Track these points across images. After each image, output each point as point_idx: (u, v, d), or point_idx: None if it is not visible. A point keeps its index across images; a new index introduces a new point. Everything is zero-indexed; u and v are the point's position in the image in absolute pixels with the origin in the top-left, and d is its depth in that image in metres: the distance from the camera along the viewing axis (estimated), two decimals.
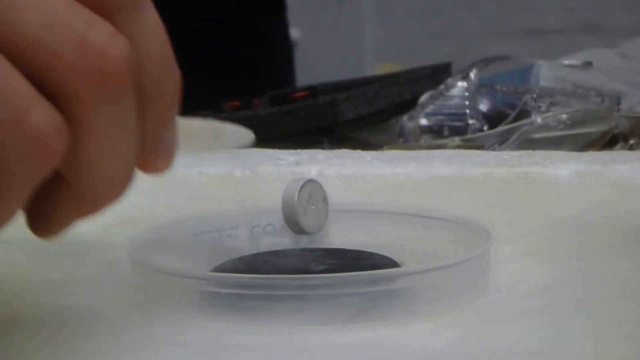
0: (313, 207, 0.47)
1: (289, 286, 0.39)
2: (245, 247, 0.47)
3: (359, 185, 0.56)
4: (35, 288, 0.45)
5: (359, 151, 0.61)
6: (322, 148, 0.65)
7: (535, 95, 0.69)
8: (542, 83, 0.77)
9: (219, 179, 0.58)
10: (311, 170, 0.57)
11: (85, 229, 0.53)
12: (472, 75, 0.74)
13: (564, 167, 0.54)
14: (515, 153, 0.57)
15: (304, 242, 0.47)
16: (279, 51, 1.17)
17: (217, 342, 0.38)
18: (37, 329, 0.41)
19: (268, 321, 0.39)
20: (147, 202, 0.57)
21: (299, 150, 0.61)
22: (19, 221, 0.51)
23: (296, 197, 0.46)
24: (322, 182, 0.54)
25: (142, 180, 0.58)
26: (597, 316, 0.38)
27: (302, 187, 0.47)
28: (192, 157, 0.61)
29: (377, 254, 0.45)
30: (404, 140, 0.73)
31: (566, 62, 0.77)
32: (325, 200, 0.48)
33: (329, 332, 0.38)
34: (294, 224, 0.47)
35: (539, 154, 0.56)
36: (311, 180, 0.47)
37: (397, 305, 0.40)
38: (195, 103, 0.88)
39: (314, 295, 0.39)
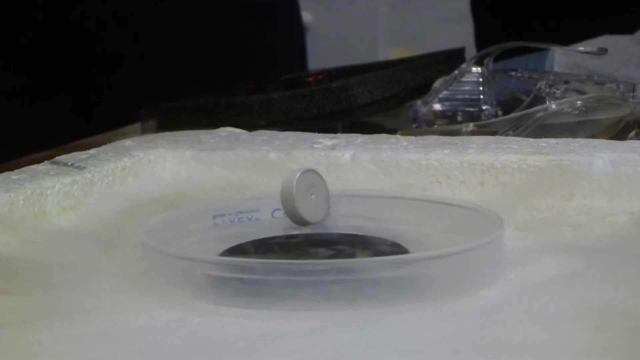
0: (313, 196, 0.47)
1: (289, 271, 0.39)
2: (263, 230, 0.47)
3: (392, 170, 0.56)
4: (48, 267, 0.45)
5: (397, 136, 0.61)
6: (336, 132, 0.64)
7: (549, 82, 0.68)
8: (557, 69, 0.76)
9: (254, 161, 0.58)
10: (345, 155, 0.57)
11: (111, 208, 0.53)
12: (486, 61, 0.74)
13: (600, 156, 0.53)
14: (552, 140, 0.56)
15: (319, 228, 0.47)
16: (291, 35, 1.16)
17: (215, 326, 0.38)
18: (46, 308, 0.41)
19: (267, 305, 0.39)
20: (181, 183, 0.57)
21: (337, 135, 0.61)
22: (35, 205, 0.51)
23: (294, 188, 0.46)
24: (356, 166, 0.55)
25: (177, 161, 0.59)
26: (608, 316, 0.38)
27: (299, 177, 0.46)
28: (229, 138, 0.61)
29: (387, 240, 0.45)
30: (417, 125, 0.73)
31: (581, 48, 0.76)
32: (325, 189, 0.48)
33: (329, 317, 0.38)
34: (293, 214, 0.46)
35: (577, 142, 0.56)
36: (310, 170, 0.47)
37: (402, 291, 0.39)
38: (208, 87, 0.88)
39: (315, 280, 0.39)
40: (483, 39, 0.95)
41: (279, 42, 1.12)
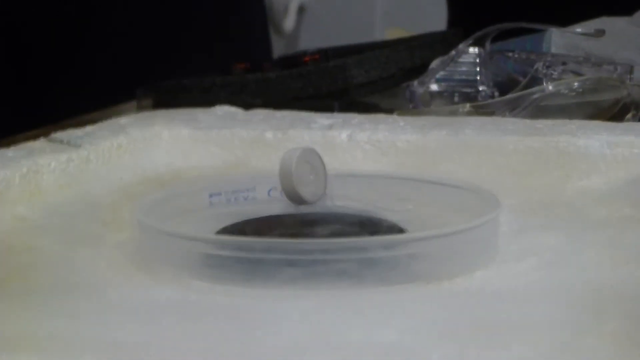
0: (311, 176, 0.47)
1: (286, 250, 0.39)
2: (259, 209, 0.47)
3: (389, 150, 0.56)
4: (44, 244, 0.45)
5: (393, 116, 0.61)
6: (332, 112, 0.64)
7: (547, 63, 0.68)
8: (554, 50, 0.76)
9: (252, 140, 0.58)
10: (342, 135, 0.57)
11: (107, 186, 0.53)
12: (485, 41, 0.74)
13: (596, 137, 0.53)
14: (549, 122, 0.56)
15: (317, 207, 0.47)
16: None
17: (211, 304, 0.38)
18: (41, 285, 0.41)
19: (264, 284, 0.39)
20: (177, 162, 0.57)
21: (334, 114, 0.61)
22: (31, 182, 0.51)
23: (293, 166, 0.46)
24: (353, 146, 0.55)
25: (173, 140, 0.59)
26: (604, 297, 0.38)
27: (299, 155, 0.46)
28: (225, 117, 0.61)
29: (384, 220, 0.45)
30: (414, 106, 0.73)
31: (578, 29, 0.76)
32: (323, 168, 0.47)
33: (324, 297, 0.38)
34: (292, 195, 0.46)
35: (573, 123, 0.56)
36: (308, 149, 0.47)
37: (399, 271, 0.39)
38: (204, 66, 0.87)
39: (311, 260, 0.39)
40: (480, 20, 0.95)
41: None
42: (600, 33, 0.74)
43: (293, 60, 0.81)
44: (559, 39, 0.77)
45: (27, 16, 1.01)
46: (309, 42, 1.25)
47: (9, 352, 0.34)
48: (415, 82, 0.74)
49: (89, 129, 0.58)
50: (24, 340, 0.35)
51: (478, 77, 0.74)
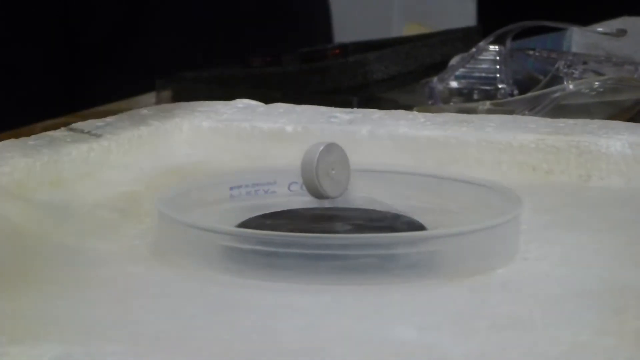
0: (334, 171, 0.47)
1: (307, 245, 0.39)
2: (279, 203, 0.47)
3: (409, 146, 0.56)
4: (64, 234, 0.45)
5: (414, 112, 0.61)
6: (351, 107, 0.64)
7: (568, 62, 0.68)
8: (575, 49, 0.76)
9: (272, 134, 0.58)
10: (362, 130, 0.57)
11: (127, 176, 0.53)
12: (504, 39, 0.73)
13: (618, 137, 0.53)
14: (571, 121, 0.56)
15: (338, 202, 0.47)
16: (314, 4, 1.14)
17: (231, 297, 0.38)
18: (61, 275, 0.41)
19: (284, 278, 0.39)
20: (198, 155, 0.57)
21: (354, 109, 0.61)
22: (51, 171, 0.51)
23: (316, 161, 0.46)
24: (373, 141, 0.54)
25: (193, 132, 0.59)
26: (626, 297, 0.38)
27: (322, 150, 0.46)
28: (246, 110, 0.61)
29: (404, 216, 0.45)
30: (433, 102, 0.72)
31: (600, 29, 0.76)
32: (346, 163, 0.47)
33: (344, 292, 0.38)
34: (314, 189, 0.46)
35: (595, 123, 0.56)
36: (332, 144, 0.47)
37: (419, 268, 0.39)
38: (222, 58, 0.87)
39: (332, 254, 0.39)
40: (500, 17, 0.94)
41: (301, 11, 1.10)
42: (621, 33, 0.74)
43: (313, 55, 0.81)
44: (580, 38, 0.76)
45: (46, 6, 1.01)
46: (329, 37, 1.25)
47: (31, 341, 0.34)
48: (435, 79, 0.74)
49: (109, 119, 0.58)
50: (45, 329, 0.35)
51: (498, 75, 0.74)
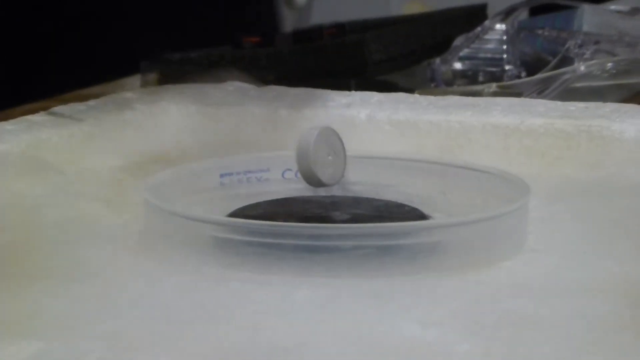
0: (330, 157, 0.46)
1: (301, 235, 0.39)
2: (272, 191, 0.47)
3: (410, 132, 0.56)
4: (44, 224, 0.45)
5: (415, 95, 0.61)
6: (348, 90, 0.64)
7: (578, 42, 0.68)
8: (586, 28, 0.76)
9: (264, 118, 0.58)
10: (361, 114, 0.57)
11: (111, 163, 0.53)
12: (511, 18, 0.73)
13: (631, 122, 0.53)
14: (582, 104, 0.56)
15: (335, 190, 0.47)
16: None
17: (222, 291, 0.38)
18: (44, 268, 0.41)
19: (277, 271, 0.39)
20: (186, 139, 0.57)
21: (352, 92, 0.61)
22: (31, 158, 0.51)
23: (312, 147, 0.46)
24: (373, 126, 0.54)
25: (181, 116, 0.59)
26: (639, 293, 0.38)
27: (318, 135, 0.46)
28: (237, 93, 0.61)
29: (406, 205, 0.45)
30: (435, 85, 0.72)
31: (613, 7, 0.76)
32: (343, 149, 0.47)
33: (342, 286, 0.38)
34: (309, 176, 0.46)
35: (608, 107, 0.56)
36: (328, 129, 0.47)
37: (421, 260, 0.39)
38: (213, 38, 0.87)
39: (329, 245, 0.38)
40: None
41: None
42: (636, 11, 0.74)
43: (308, 35, 0.81)
44: (591, 17, 0.76)
45: None
46: (322, 15, 1.25)
47: (9, 337, 0.34)
48: (438, 60, 0.74)
49: (92, 102, 0.58)
50: (24, 324, 0.35)
51: (504, 56, 0.74)
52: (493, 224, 0.41)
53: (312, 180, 0.46)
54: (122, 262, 0.42)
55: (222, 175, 0.48)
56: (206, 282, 0.39)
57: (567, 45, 0.68)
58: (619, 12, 0.75)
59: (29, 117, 0.55)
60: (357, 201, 0.46)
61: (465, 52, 0.74)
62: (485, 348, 0.33)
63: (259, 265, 0.39)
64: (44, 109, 0.57)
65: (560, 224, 0.45)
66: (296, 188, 0.47)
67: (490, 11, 0.83)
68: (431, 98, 0.59)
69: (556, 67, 0.67)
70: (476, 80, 0.73)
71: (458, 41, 0.75)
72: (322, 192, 0.47)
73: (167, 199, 0.44)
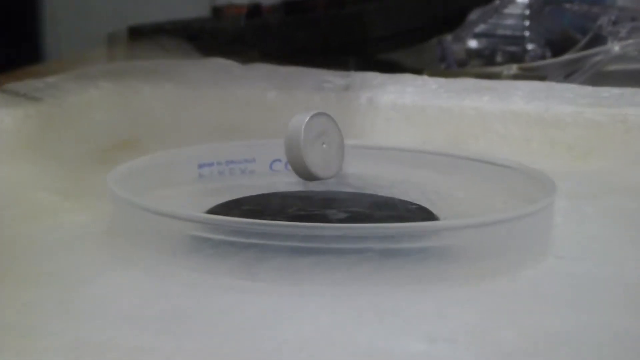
0: (324, 146, 0.47)
1: (291, 236, 0.39)
2: (258, 184, 0.47)
3: (417, 119, 0.56)
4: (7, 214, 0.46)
5: (423, 77, 0.61)
6: (346, 69, 0.64)
7: (613, 18, 0.68)
8: (621, 3, 0.76)
9: (249, 100, 0.58)
10: (361, 98, 0.57)
11: (73, 150, 0.53)
12: None
13: None
14: (616, 90, 0.56)
15: (330, 184, 0.47)
16: None
17: (199, 299, 0.38)
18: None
19: (264, 276, 0.39)
20: (159, 124, 0.57)
21: (350, 72, 0.61)
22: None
23: (303, 135, 0.46)
24: (374, 111, 0.54)
25: (154, 97, 0.59)
26: None
27: (309, 121, 0.46)
28: (218, 71, 0.61)
29: (412, 203, 0.45)
30: (447, 65, 0.73)
31: None
32: (339, 138, 0.47)
33: (338, 295, 0.38)
34: (300, 168, 0.46)
35: None
36: (322, 114, 0.47)
37: (429, 267, 0.39)
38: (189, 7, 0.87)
39: (323, 248, 0.39)
40: None
41: None
42: None
43: (300, 5, 0.81)
44: None
45: None
46: None
47: None
48: (449, 37, 0.74)
49: (51, 79, 0.58)
50: None
51: (526, 33, 0.74)
52: (512, 226, 0.41)
53: (304, 172, 0.46)
54: (84, 265, 0.42)
55: (200, 166, 0.48)
56: (181, 288, 0.39)
57: (599, 22, 0.68)
58: None
59: None
60: (356, 197, 0.46)
61: (481, 28, 0.74)
62: None
63: (242, 270, 0.39)
64: None
65: (590, 227, 0.45)
66: (286, 182, 0.47)
67: None
68: (441, 80, 0.60)
69: (586, 47, 0.68)
70: (494, 60, 0.74)
71: (473, 15, 0.75)
72: (315, 186, 0.47)
73: (136, 191, 0.44)
